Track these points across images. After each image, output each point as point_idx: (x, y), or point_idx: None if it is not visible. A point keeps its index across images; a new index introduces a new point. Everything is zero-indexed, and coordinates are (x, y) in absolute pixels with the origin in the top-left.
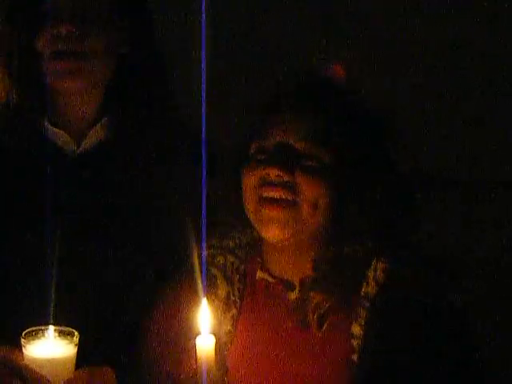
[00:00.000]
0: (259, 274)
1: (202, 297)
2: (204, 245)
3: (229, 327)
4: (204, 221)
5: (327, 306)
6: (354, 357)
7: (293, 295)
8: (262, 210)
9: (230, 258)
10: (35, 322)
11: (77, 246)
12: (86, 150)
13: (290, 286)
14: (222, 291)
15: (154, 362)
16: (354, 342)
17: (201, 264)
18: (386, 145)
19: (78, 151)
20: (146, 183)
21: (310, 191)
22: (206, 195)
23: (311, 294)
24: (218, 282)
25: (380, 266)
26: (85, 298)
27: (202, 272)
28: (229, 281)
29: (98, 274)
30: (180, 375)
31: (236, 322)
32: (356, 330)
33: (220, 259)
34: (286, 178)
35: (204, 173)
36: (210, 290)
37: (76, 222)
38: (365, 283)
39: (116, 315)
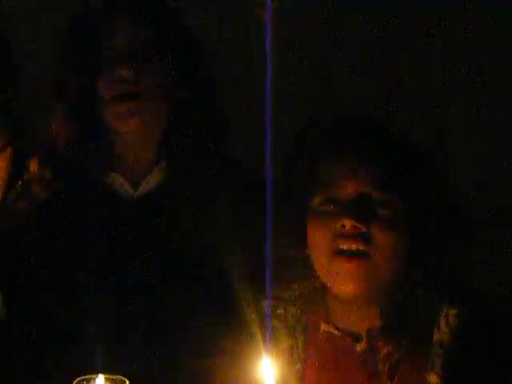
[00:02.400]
0: (323, 327)
1: (264, 350)
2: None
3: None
4: (269, 269)
5: (398, 355)
6: None
7: (360, 346)
8: (337, 264)
9: (291, 310)
10: (86, 369)
11: (134, 290)
12: (144, 194)
13: (356, 338)
14: (285, 344)
15: None
16: None
17: (263, 315)
18: (447, 185)
19: (136, 195)
20: (202, 225)
21: (386, 241)
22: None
23: (379, 343)
24: (280, 334)
25: (452, 311)
26: (137, 347)
27: (264, 324)
28: (291, 333)
29: (152, 322)
30: None
31: (301, 377)
32: (433, 379)
33: (280, 311)
34: (362, 229)
35: (269, 218)
36: (272, 342)
37: (133, 266)
38: (436, 330)
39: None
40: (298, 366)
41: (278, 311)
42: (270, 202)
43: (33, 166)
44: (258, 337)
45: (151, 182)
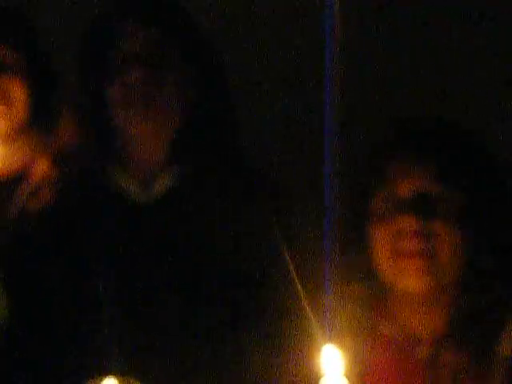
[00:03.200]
0: (384, 328)
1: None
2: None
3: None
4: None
5: (462, 364)
6: None
7: (421, 351)
8: (400, 263)
9: (352, 310)
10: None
11: (144, 290)
12: (154, 197)
13: (418, 342)
14: (346, 344)
15: None
16: None
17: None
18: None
19: (146, 198)
20: (212, 229)
21: (450, 238)
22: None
23: (443, 351)
24: (342, 334)
25: None
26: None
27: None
28: (352, 333)
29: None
30: None
31: (362, 378)
32: None
33: (342, 311)
34: (423, 227)
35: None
36: (334, 342)
37: (142, 268)
38: (502, 342)
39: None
40: (359, 367)
41: (340, 311)
42: (330, 201)
43: (43, 165)
44: (318, 336)
45: (162, 186)
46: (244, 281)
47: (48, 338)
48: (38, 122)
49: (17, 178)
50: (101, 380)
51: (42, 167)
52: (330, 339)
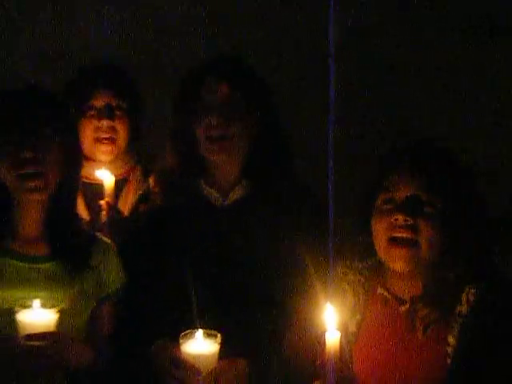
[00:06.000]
0: (379, 290)
1: (328, 302)
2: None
3: (354, 329)
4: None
5: (431, 317)
6: (448, 360)
7: (404, 308)
8: (392, 249)
9: (358, 277)
10: (190, 326)
11: (221, 270)
12: (230, 204)
13: (402, 302)
14: (350, 301)
15: (295, 355)
16: (449, 349)
17: (332, 278)
18: (477, 189)
19: (224, 204)
20: (274, 227)
21: (428, 231)
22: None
23: (419, 307)
24: (348, 293)
25: (472, 290)
26: (228, 307)
27: (331, 284)
28: (356, 293)
29: (237, 295)
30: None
31: (359, 325)
32: (451, 339)
33: (351, 277)
34: (411, 222)
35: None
36: (341, 299)
37: (218, 251)
38: (459, 303)
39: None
40: (358, 316)
41: (349, 277)
42: (332, 198)
43: (151, 181)
44: (329, 293)
45: (236, 195)
46: (282, 267)
47: (156, 304)
48: (133, 143)
49: (121, 182)
50: (192, 332)
51: (137, 174)
52: (332, 301)
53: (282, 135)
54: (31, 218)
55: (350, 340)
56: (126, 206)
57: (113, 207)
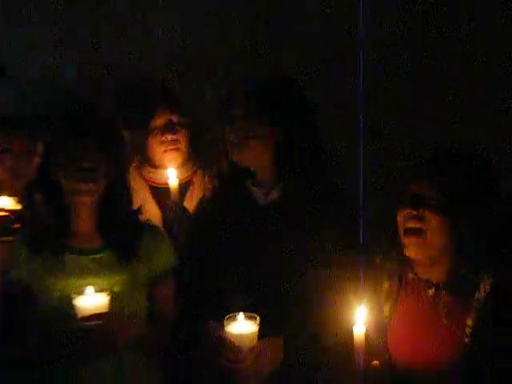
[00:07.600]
0: (411, 276)
1: (362, 297)
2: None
3: (388, 311)
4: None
5: (453, 303)
6: (467, 340)
7: (431, 292)
8: (405, 238)
9: (393, 265)
10: (234, 310)
11: (261, 257)
12: (270, 202)
13: (429, 285)
14: (386, 285)
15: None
16: (468, 331)
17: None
18: (486, 186)
19: (266, 202)
20: (306, 223)
21: (433, 220)
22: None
23: (443, 293)
24: (384, 279)
25: (489, 279)
26: (268, 293)
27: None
28: (391, 279)
29: (274, 280)
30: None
31: (394, 307)
32: (469, 322)
33: (388, 264)
34: (420, 214)
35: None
36: (379, 284)
37: (259, 241)
38: (477, 291)
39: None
40: (392, 299)
41: (387, 264)
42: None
43: (206, 180)
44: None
45: (274, 194)
46: (311, 262)
47: (208, 285)
48: (193, 150)
49: (186, 185)
50: (235, 314)
51: (199, 177)
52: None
53: (317, 138)
54: (84, 216)
55: (384, 320)
56: (191, 205)
57: (179, 206)
